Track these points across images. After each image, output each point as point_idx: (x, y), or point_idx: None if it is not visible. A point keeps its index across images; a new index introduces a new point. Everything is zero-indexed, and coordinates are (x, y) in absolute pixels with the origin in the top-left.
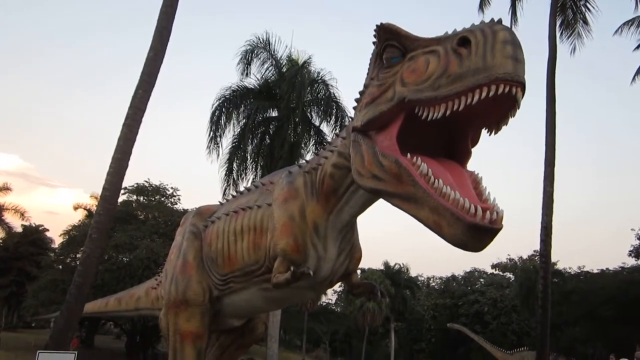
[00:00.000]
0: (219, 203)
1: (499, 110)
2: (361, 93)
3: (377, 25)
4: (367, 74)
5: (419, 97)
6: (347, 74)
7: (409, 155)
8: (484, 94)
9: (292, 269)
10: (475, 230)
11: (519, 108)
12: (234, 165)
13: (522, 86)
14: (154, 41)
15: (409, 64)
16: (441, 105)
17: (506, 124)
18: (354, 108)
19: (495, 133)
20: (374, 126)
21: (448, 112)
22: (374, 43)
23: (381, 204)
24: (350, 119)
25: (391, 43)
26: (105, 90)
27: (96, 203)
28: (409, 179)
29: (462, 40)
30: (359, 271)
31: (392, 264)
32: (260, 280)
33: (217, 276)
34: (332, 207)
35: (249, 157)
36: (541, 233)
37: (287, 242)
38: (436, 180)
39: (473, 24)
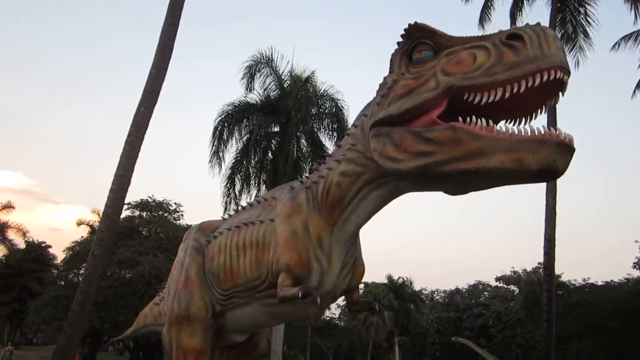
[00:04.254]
0: (221, 218)
1: (537, 100)
2: (388, 89)
3: (409, 25)
4: (391, 71)
5: (472, 83)
6: (345, 85)
7: (460, 119)
8: (545, 78)
9: (300, 287)
10: (564, 147)
11: (563, 95)
12: (236, 180)
13: (569, 75)
14: (155, 59)
15: (449, 58)
16: (498, 89)
17: (545, 112)
18: (377, 104)
19: (529, 122)
20: (414, 113)
21: (507, 95)
22: (398, 43)
23: (383, 218)
24: (354, 126)
25: (424, 41)
26: (110, 107)
27: (98, 219)
28: (470, 135)
29: (513, 35)
30: (362, 285)
31: (395, 277)
32: (263, 295)
33: (220, 291)
34: (337, 218)
35: (251, 172)
36: (544, 245)
37: (291, 256)
38: (501, 127)
39: (514, 26)
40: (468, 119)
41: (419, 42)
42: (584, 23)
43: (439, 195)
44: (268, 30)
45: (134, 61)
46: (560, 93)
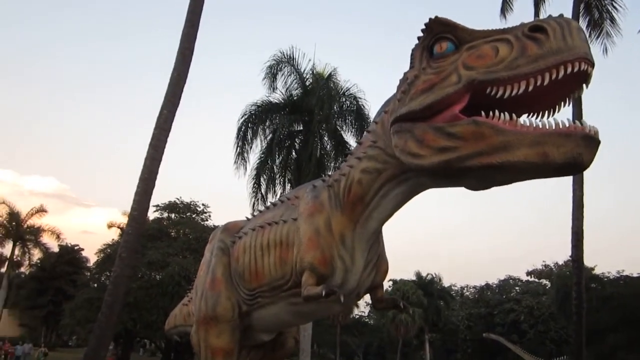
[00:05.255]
0: (245, 218)
1: (560, 92)
2: (409, 84)
3: (430, 19)
4: (412, 66)
5: (495, 77)
6: (367, 82)
7: (482, 113)
8: (569, 70)
9: (324, 286)
10: (589, 140)
11: (587, 87)
12: (262, 179)
13: (593, 67)
14: (177, 62)
15: (470, 52)
16: (521, 82)
17: (568, 104)
18: (398, 100)
19: (552, 115)
20: (436, 109)
21: (530, 88)
22: (419, 38)
23: (413, 214)
24: (374, 122)
25: (445, 35)
26: (141, 110)
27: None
28: (493, 130)
29: (536, 27)
30: (390, 282)
31: (424, 274)
32: (288, 294)
33: (245, 291)
34: (359, 215)
35: (276, 171)
36: (572, 238)
37: (314, 255)
38: (525, 121)
39: (537, 19)
40: (491, 113)
41: (439, 36)
42: (610, 9)
43: (468, 191)
44: (289, 28)
45: (166, 60)
46: (584, 85)
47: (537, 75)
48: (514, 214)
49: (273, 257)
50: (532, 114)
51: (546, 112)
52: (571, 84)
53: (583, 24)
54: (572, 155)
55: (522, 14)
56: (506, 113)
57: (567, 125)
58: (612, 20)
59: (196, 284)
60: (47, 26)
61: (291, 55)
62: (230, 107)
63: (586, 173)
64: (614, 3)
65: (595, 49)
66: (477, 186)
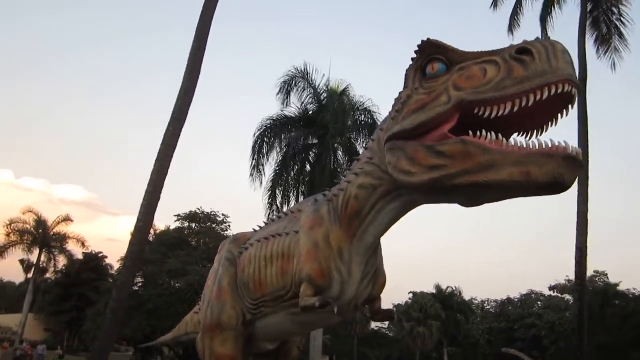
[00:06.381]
0: (253, 230)
1: (548, 113)
2: (403, 104)
3: (422, 41)
4: (405, 86)
5: (482, 97)
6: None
7: (470, 133)
8: (552, 92)
9: (319, 298)
10: (570, 161)
11: (572, 108)
12: (278, 191)
13: (579, 89)
14: (184, 81)
15: (460, 73)
16: (507, 103)
17: (555, 125)
18: (392, 119)
19: (540, 135)
20: (427, 128)
21: (516, 109)
22: (413, 59)
23: (433, 224)
24: (372, 139)
25: (437, 57)
26: (163, 119)
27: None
28: (479, 149)
29: (522, 50)
30: (410, 294)
31: (444, 287)
32: (288, 305)
33: (250, 301)
34: (356, 230)
35: (291, 183)
36: (576, 254)
37: (312, 267)
38: (511, 140)
39: (525, 41)
40: (478, 132)
41: (432, 57)
42: (618, 24)
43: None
44: (304, 34)
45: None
46: (569, 106)
47: (523, 96)
48: (538, 227)
49: (275, 268)
50: (522, 132)
51: (536, 131)
52: (558, 104)
53: (590, 40)
54: (554, 175)
55: (529, 31)
56: (492, 133)
57: (550, 145)
58: (621, 35)
59: (204, 293)
60: (79, 27)
61: (305, 71)
62: (249, 113)
63: (604, 183)
64: (622, 18)
65: (604, 65)
66: (467, 203)
